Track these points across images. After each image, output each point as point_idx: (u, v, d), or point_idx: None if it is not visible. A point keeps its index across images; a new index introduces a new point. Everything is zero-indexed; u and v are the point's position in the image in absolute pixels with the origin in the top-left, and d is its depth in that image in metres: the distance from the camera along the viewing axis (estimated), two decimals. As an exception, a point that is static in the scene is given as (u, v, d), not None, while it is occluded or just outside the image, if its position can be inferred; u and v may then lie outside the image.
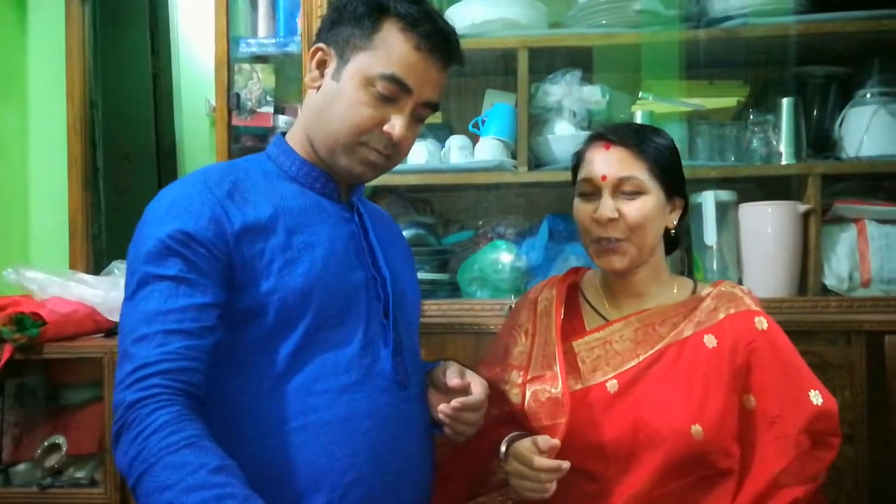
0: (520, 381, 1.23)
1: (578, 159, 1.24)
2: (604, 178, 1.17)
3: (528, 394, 1.20)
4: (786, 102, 1.82)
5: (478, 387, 1.10)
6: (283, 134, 1.12)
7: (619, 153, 1.17)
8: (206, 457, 0.85)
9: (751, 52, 1.95)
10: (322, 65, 1.05)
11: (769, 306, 1.71)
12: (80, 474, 1.76)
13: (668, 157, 1.19)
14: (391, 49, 1.00)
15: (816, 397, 1.13)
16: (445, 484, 1.23)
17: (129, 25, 2.29)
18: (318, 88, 1.05)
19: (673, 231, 1.24)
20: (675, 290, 1.25)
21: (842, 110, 1.85)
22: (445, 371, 1.13)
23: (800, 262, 1.78)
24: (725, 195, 1.81)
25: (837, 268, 1.77)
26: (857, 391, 1.55)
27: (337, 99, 1.02)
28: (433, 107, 1.07)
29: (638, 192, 1.17)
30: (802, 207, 1.75)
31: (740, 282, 1.81)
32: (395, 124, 1.02)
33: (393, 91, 1.01)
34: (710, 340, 1.16)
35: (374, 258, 1.09)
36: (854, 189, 1.86)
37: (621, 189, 1.17)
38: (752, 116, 1.87)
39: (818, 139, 1.90)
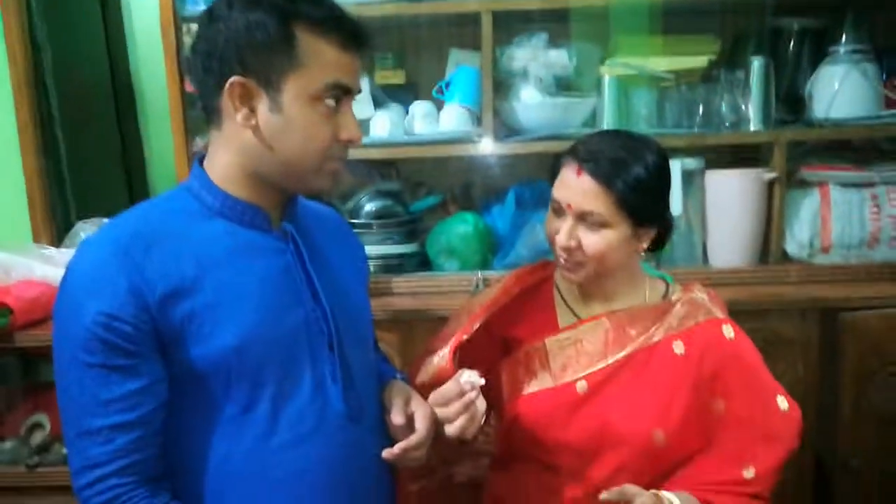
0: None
1: (556, 167, 1.19)
2: (569, 206, 1.15)
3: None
4: (756, 63, 1.78)
5: (421, 423, 1.09)
6: (201, 160, 1.05)
7: (587, 184, 1.13)
8: None
9: (724, 2, 1.89)
10: (245, 98, 0.97)
11: (729, 277, 1.76)
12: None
13: (642, 189, 1.14)
14: (321, 59, 0.96)
15: (783, 402, 1.18)
16: None
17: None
18: (254, 126, 0.98)
19: (643, 252, 1.22)
20: (646, 293, 1.26)
21: (814, 68, 1.81)
22: (391, 401, 1.13)
23: (763, 230, 1.80)
24: (692, 163, 1.80)
25: (799, 234, 1.80)
26: (809, 366, 1.62)
27: (288, 130, 0.97)
28: (359, 92, 1.06)
29: (601, 226, 1.15)
30: (768, 176, 1.75)
31: (704, 248, 1.83)
32: (350, 127, 1.01)
33: (338, 97, 0.99)
34: (678, 347, 1.18)
35: (313, 290, 1.05)
36: (821, 151, 1.86)
37: (584, 219, 1.15)
38: (722, 76, 1.83)
39: (788, 97, 1.88)
